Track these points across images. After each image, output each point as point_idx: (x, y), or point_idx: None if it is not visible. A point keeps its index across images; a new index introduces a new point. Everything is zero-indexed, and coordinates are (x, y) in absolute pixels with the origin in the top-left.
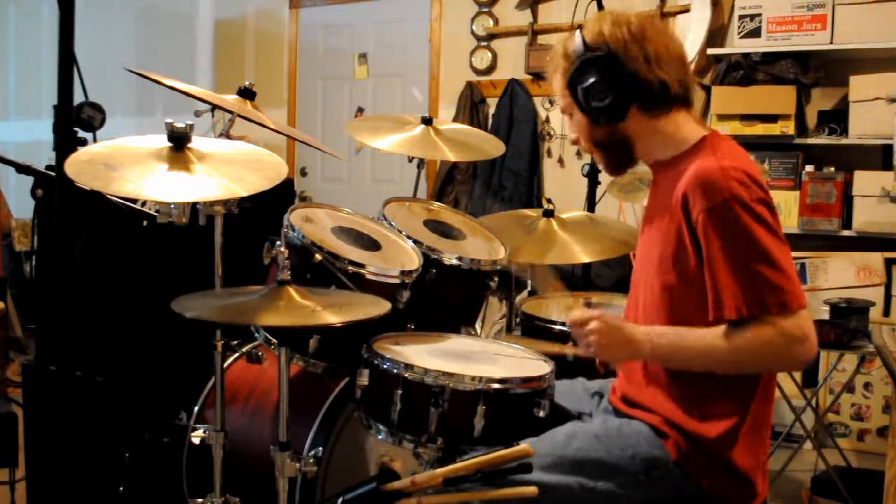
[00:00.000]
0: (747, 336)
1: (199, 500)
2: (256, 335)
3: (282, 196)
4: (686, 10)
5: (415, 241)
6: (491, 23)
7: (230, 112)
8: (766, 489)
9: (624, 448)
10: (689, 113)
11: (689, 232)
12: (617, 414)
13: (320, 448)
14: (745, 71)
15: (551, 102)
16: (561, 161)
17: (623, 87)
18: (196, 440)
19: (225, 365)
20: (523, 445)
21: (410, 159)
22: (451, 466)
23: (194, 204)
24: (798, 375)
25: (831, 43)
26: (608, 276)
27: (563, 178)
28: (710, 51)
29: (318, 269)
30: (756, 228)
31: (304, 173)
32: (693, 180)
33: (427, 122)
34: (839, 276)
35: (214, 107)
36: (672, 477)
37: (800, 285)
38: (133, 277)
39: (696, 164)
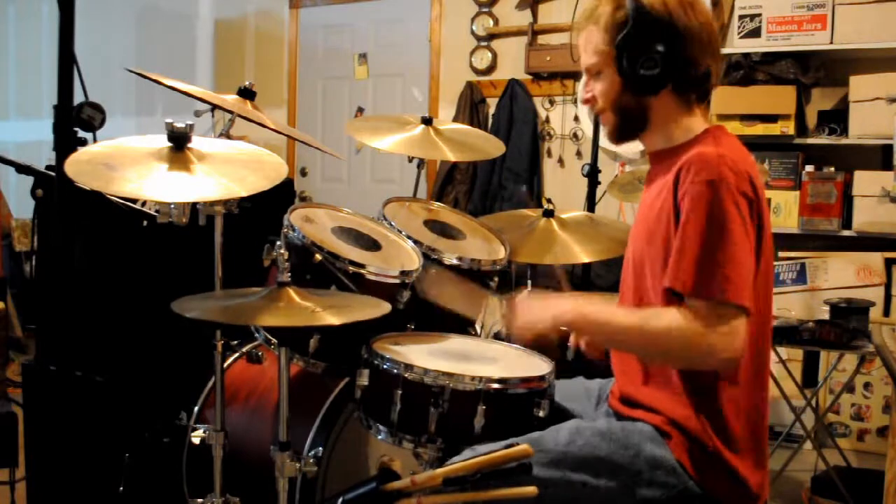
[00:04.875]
0: (674, 318)
1: (199, 500)
2: (256, 335)
3: (282, 196)
4: None
5: (415, 241)
6: (491, 23)
7: (230, 112)
8: (766, 491)
9: (628, 447)
10: (704, 110)
11: (675, 209)
12: (618, 417)
13: (320, 448)
14: (745, 71)
15: (551, 102)
16: (561, 161)
17: (674, 64)
18: (196, 440)
19: (225, 365)
20: (523, 445)
21: (410, 159)
22: (451, 466)
23: (194, 204)
24: (798, 375)
25: (831, 43)
26: (608, 276)
27: (563, 178)
28: None
29: (318, 270)
30: (731, 215)
31: (304, 173)
32: (687, 162)
33: (427, 122)
34: (839, 276)
35: (214, 107)
36: (675, 477)
37: (748, 288)
38: (133, 277)
39: (694, 150)
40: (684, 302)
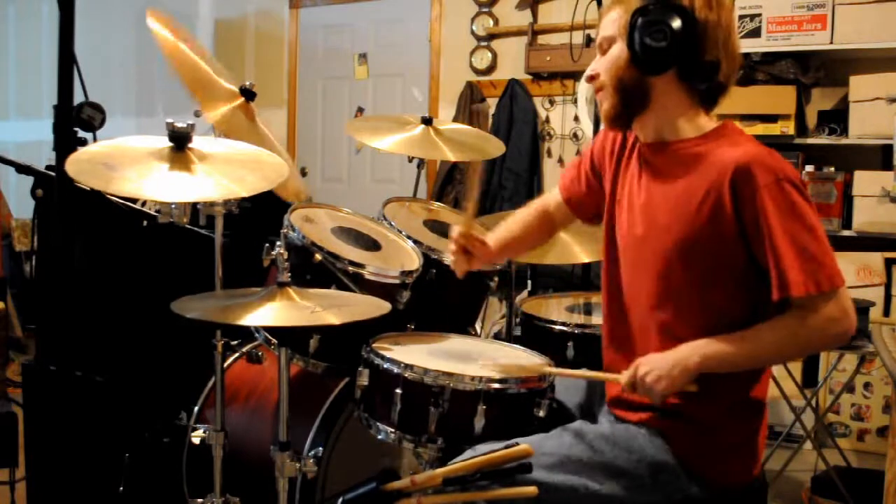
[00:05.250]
0: (791, 323)
1: (199, 500)
2: (256, 335)
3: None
4: None
5: (415, 241)
6: (491, 23)
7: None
8: (760, 459)
9: (630, 451)
10: (707, 114)
11: (735, 212)
12: (617, 419)
13: (320, 448)
14: (745, 71)
15: (551, 102)
16: (561, 161)
17: (682, 45)
18: (196, 440)
19: (225, 365)
20: (523, 445)
21: (410, 159)
22: (451, 466)
23: (194, 204)
24: (798, 375)
25: (831, 43)
26: None
27: None
28: None
29: (318, 270)
30: (805, 207)
31: (304, 173)
32: (745, 160)
33: (427, 122)
34: None
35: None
36: (678, 481)
37: (837, 265)
38: (133, 277)
39: (741, 148)
40: (791, 303)
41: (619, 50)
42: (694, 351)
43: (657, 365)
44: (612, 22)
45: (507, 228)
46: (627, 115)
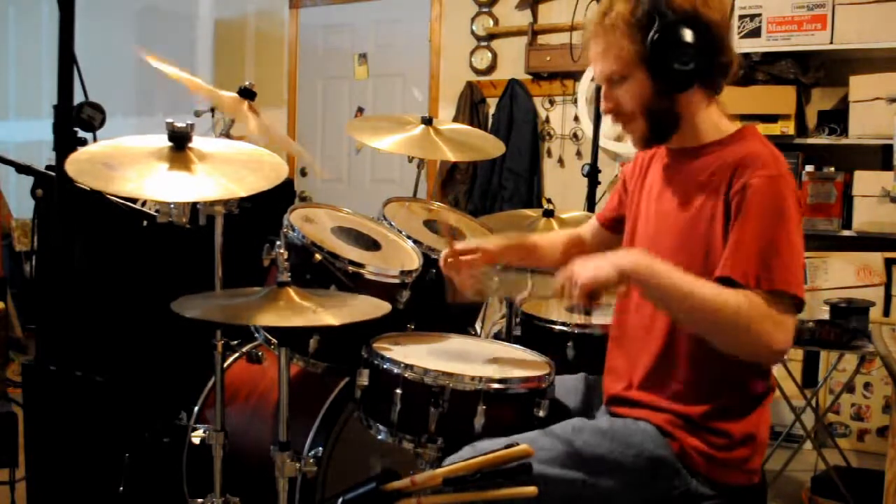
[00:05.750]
0: (735, 297)
1: (199, 500)
2: (256, 335)
3: (282, 196)
4: None
5: (415, 241)
6: (491, 23)
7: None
8: (761, 457)
9: (629, 446)
10: (718, 105)
11: (725, 205)
12: (617, 417)
13: (320, 448)
14: (745, 71)
15: (551, 102)
16: (561, 161)
17: (705, 56)
18: (196, 440)
19: (225, 365)
20: (523, 445)
21: (410, 159)
22: (451, 466)
23: (194, 204)
24: (798, 375)
25: (831, 43)
26: None
27: (563, 178)
28: None
29: (318, 269)
30: (791, 210)
31: (304, 173)
32: (745, 158)
33: (427, 122)
34: (839, 276)
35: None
36: (678, 479)
37: (802, 281)
38: (133, 277)
39: (750, 148)
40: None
41: (640, 80)
42: (630, 253)
43: (589, 259)
44: (612, 56)
45: (533, 236)
46: (664, 137)
